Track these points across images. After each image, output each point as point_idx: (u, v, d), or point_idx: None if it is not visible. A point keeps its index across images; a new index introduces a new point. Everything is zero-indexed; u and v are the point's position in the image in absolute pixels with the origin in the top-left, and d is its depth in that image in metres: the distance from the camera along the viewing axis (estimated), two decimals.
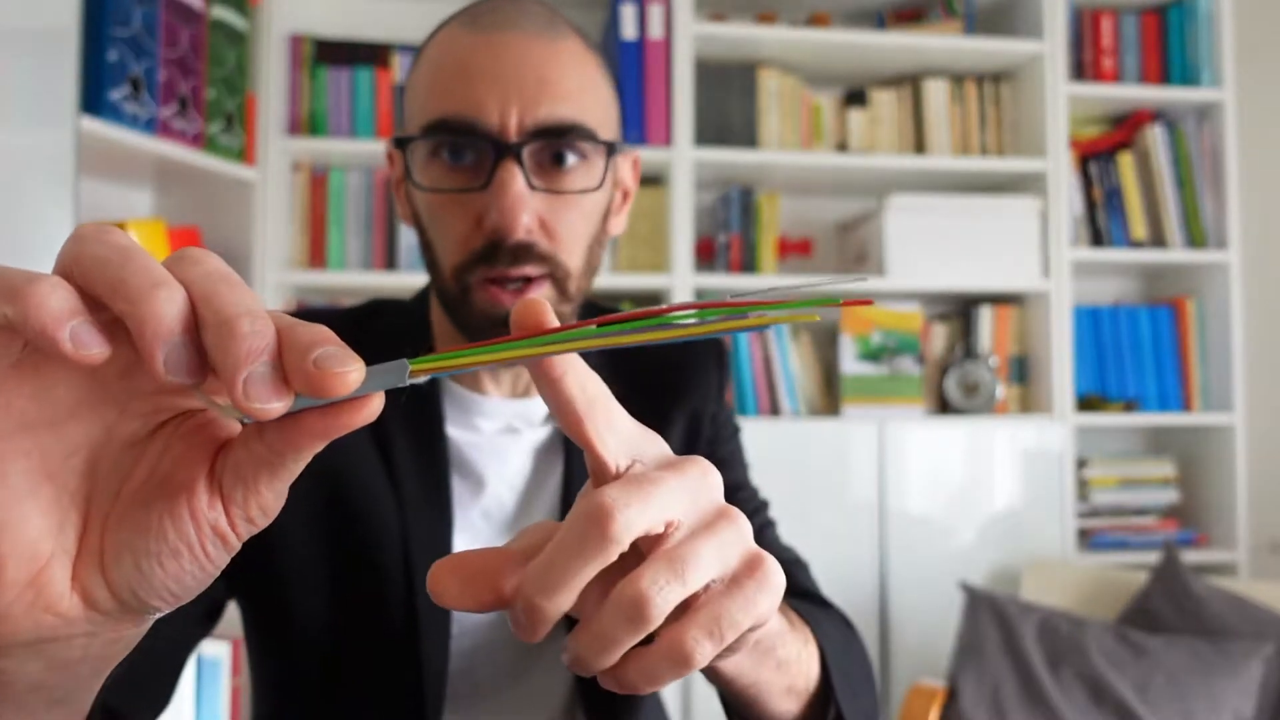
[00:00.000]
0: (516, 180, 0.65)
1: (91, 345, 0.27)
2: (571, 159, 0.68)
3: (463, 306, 0.69)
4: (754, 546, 0.35)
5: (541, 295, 0.67)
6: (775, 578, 0.35)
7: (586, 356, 0.82)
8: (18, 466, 0.30)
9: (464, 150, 0.67)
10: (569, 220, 0.69)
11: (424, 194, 0.70)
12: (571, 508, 0.35)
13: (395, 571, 0.71)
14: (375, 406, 0.30)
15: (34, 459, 0.30)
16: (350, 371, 0.28)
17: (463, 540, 0.73)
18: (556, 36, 0.69)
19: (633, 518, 0.32)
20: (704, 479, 0.35)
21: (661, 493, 0.33)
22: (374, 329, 0.79)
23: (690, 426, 0.81)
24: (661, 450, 0.36)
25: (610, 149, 0.70)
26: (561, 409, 0.34)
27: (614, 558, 0.32)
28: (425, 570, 0.69)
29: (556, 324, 0.32)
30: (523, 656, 0.75)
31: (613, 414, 0.34)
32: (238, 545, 0.32)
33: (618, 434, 0.35)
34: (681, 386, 0.81)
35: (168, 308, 0.28)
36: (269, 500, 0.32)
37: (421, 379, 0.31)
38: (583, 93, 0.69)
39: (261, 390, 0.28)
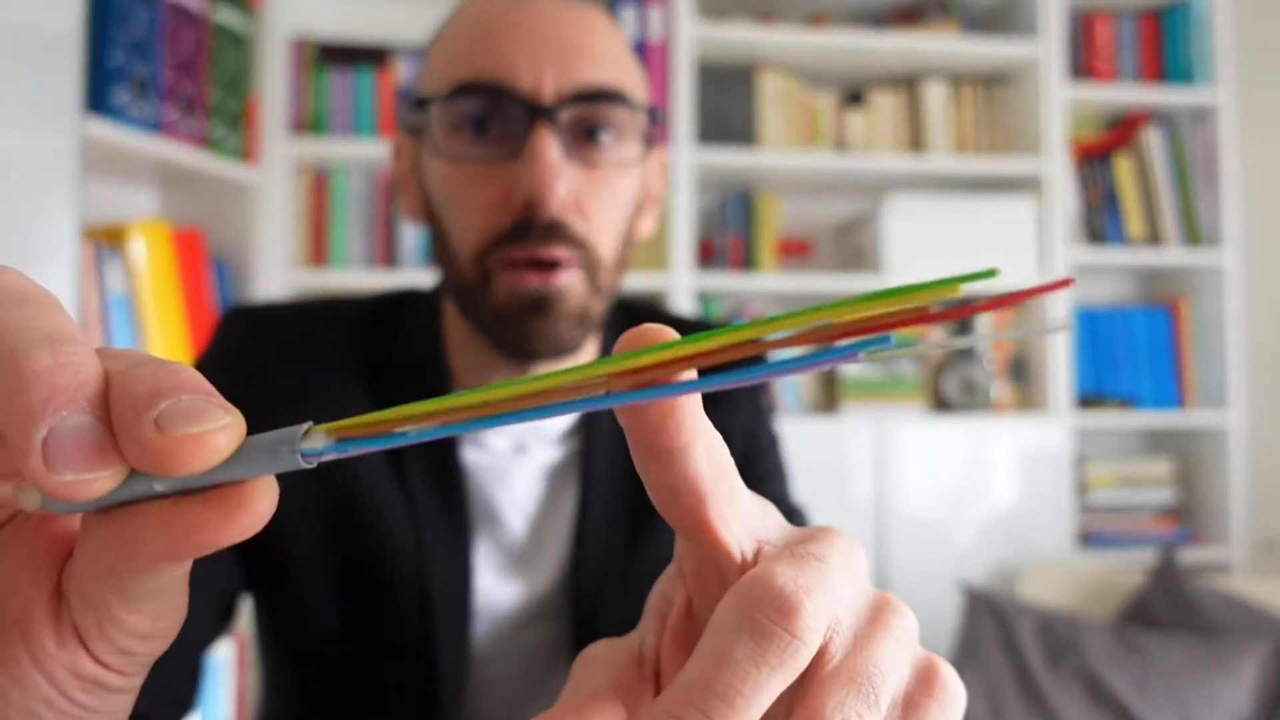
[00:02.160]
0: (552, 147, 0.59)
1: None
2: (607, 134, 0.62)
3: (482, 294, 0.63)
4: (921, 649, 0.26)
5: (572, 281, 0.62)
6: (957, 694, 0.25)
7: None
8: None
9: (491, 119, 0.61)
10: (603, 201, 0.63)
11: (443, 171, 0.63)
12: (653, 584, 0.27)
13: (409, 592, 0.66)
14: (262, 507, 0.20)
15: None
16: (213, 430, 0.19)
17: (478, 568, 0.68)
18: (586, 5, 0.64)
19: (820, 608, 0.22)
20: (854, 555, 0.26)
21: (831, 576, 0.23)
22: (398, 326, 0.71)
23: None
24: (779, 520, 0.27)
25: (651, 116, 0.65)
26: (677, 489, 0.23)
27: (804, 666, 0.22)
28: (441, 591, 0.66)
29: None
30: (531, 690, 0.70)
31: (736, 484, 0.25)
32: (130, 684, 0.23)
33: (739, 510, 0.25)
34: (708, 396, 0.72)
35: None
36: (141, 623, 0.22)
37: (326, 454, 0.20)
38: (619, 61, 0.64)
39: (75, 454, 0.18)
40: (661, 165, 0.73)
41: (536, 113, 0.60)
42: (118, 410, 0.19)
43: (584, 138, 0.62)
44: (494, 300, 0.62)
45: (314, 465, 0.20)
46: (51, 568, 0.22)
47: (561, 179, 0.60)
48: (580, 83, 0.61)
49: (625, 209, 0.65)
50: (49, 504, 0.20)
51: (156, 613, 0.22)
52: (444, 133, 0.63)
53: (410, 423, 0.20)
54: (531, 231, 0.60)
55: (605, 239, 0.64)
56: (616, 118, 0.63)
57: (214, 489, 0.20)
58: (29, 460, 0.18)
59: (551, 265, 0.61)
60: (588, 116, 0.62)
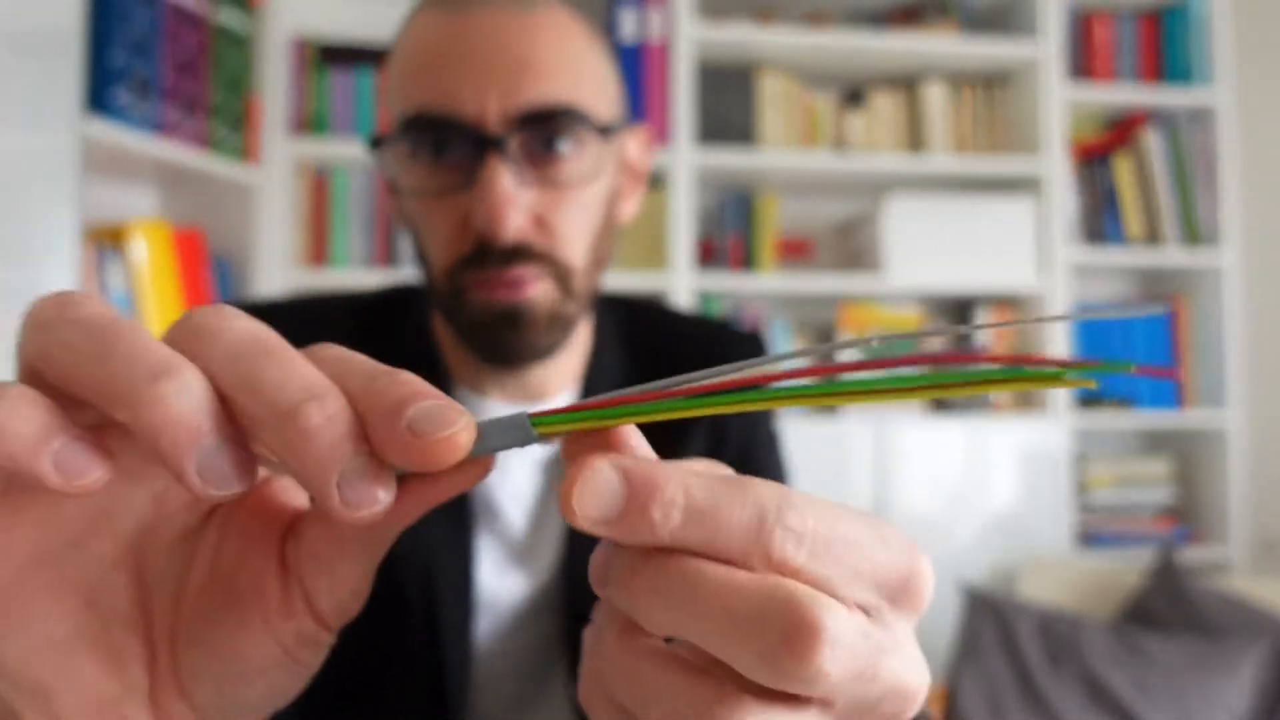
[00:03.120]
0: (500, 178, 0.58)
1: (86, 471, 0.21)
2: (565, 145, 0.61)
3: (456, 308, 0.64)
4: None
5: (540, 292, 0.62)
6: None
7: (601, 356, 0.73)
8: (42, 609, 0.24)
9: (443, 149, 0.60)
10: (567, 214, 0.62)
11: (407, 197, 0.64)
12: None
13: (415, 586, 0.66)
14: (492, 462, 0.25)
15: (61, 592, 0.24)
16: (458, 431, 0.22)
17: (480, 562, 0.68)
18: (533, 8, 0.61)
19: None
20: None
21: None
22: (396, 322, 0.72)
23: (714, 434, 0.72)
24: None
25: (603, 132, 0.62)
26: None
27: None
28: (446, 587, 0.66)
29: None
30: (531, 687, 0.70)
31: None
32: (331, 640, 0.27)
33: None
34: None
35: (182, 403, 0.21)
36: (362, 581, 0.26)
37: (549, 442, 0.25)
38: (570, 69, 0.61)
39: (363, 491, 0.22)
40: (642, 141, 0.71)
41: (484, 143, 0.59)
42: (375, 430, 0.22)
43: (541, 154, 0.61)
44: (468, 313, 0.63)
45: (531, 444, 0.24)
46: (275, 543, 0.26)
47: (513, 209, 0.59)
48: (527, 104, 0.59)
49: (594, 213, 0.64)
50: None
51: (372, 569, 0.26)
52: (402, 165, 0.63)
53: (626, 416, 0.23)
54: (491, 257, 0.60)
55: (573, 248, 0.63)
56: (573, 131, 0.61)
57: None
58: (329, 504, 0.22)
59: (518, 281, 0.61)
60: (540, 136, 0.60)
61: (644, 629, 0.24)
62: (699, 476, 0.23)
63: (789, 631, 0.22)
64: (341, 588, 0.26)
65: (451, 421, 0.22)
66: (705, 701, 0.23)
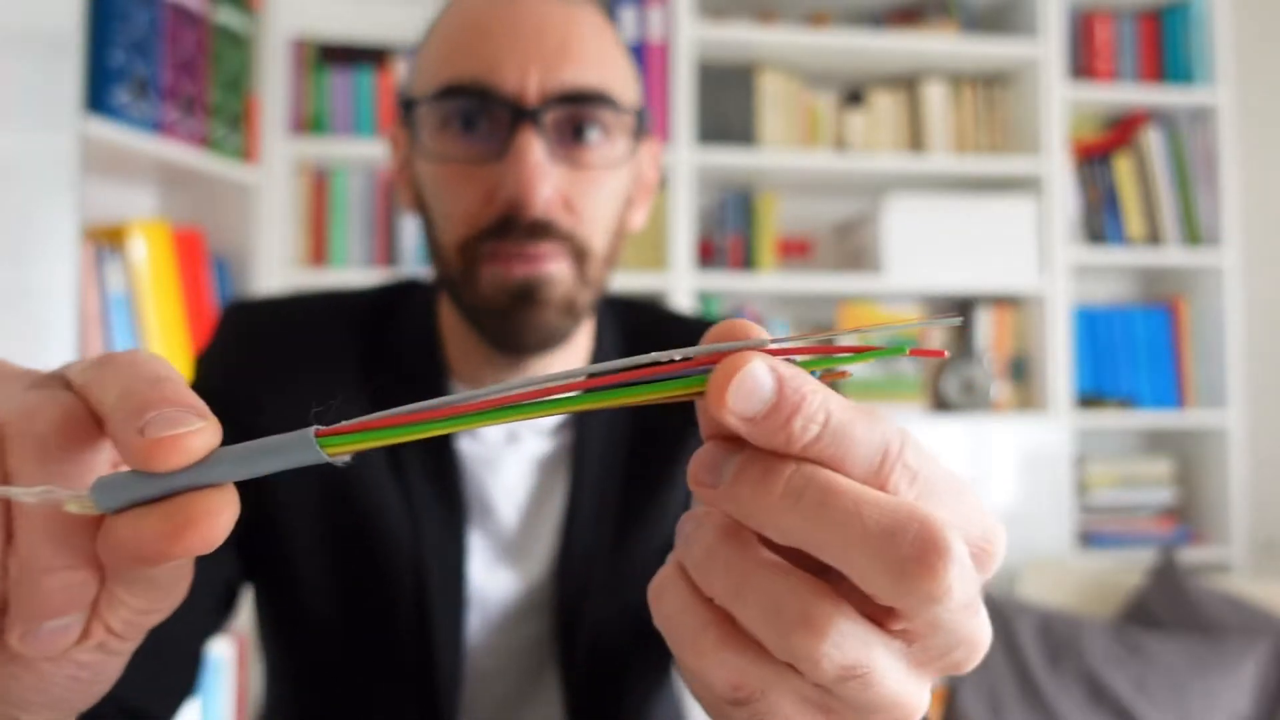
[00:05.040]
0: (535, 149, 0.59)
1: None
2: (594, 133, 0.62)
3: (467, 285, 0.63)
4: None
5: (559, 269, 0.62)
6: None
7: (601, 356, 0.73)
8: None
9: (478, 118, 0.62)
10: (592, 198, 0.63)
11: (431, 166, 0.64)
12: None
13: (406, 580, 0.65)
14: (211, 528, 0.23)
15: None
16: (189, 432, 0.23)
17: (470, 558, 0.68)
18: (575, 2, 0.64)
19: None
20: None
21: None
22: (397, 317, 0.71)
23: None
24: None
25: (639, 120, 0.65)
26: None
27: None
28: (438, 581, 0.65)
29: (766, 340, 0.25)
30: (522, 687, 0.70)
31: None
32: (127, 648, 0.27)
33: None
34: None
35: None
36: (140, 604, 0.26)
37: (340, 458, 0.24)
38: (606, 60, 0.64)
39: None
40: (654, 155, 0.73)
41: (521, 114, 0.60)
42: (115, 436, 0.23)
43: (571, 137, 0.62)
44: (479, 292, 0.63)
45: (325, 461, 0.24)
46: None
47: (545, 180, 0.60)
48: (565, 84, 0.61)
49: (614, 204, 0.65)
50: (98, 504, 0.24)
51: (154, 598, 0.26)
52: (431, 132, 0.63)
53: (416, 432, 0.23)
54: (516, 229, 0.61)
55: (595, 232, 0.64)
56: (603, 117, 0.63)
57: (180, 504, 0.23)
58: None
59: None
60: (573, 117, 0.62)
61: (747, 530, 0.25)
62: (840, 398, 0.24)
63: (922, 548, 0.23)
64: (120, 607, 0.26)
65: (183, 422, 0.23)
66: (805, 596, 0.24)
